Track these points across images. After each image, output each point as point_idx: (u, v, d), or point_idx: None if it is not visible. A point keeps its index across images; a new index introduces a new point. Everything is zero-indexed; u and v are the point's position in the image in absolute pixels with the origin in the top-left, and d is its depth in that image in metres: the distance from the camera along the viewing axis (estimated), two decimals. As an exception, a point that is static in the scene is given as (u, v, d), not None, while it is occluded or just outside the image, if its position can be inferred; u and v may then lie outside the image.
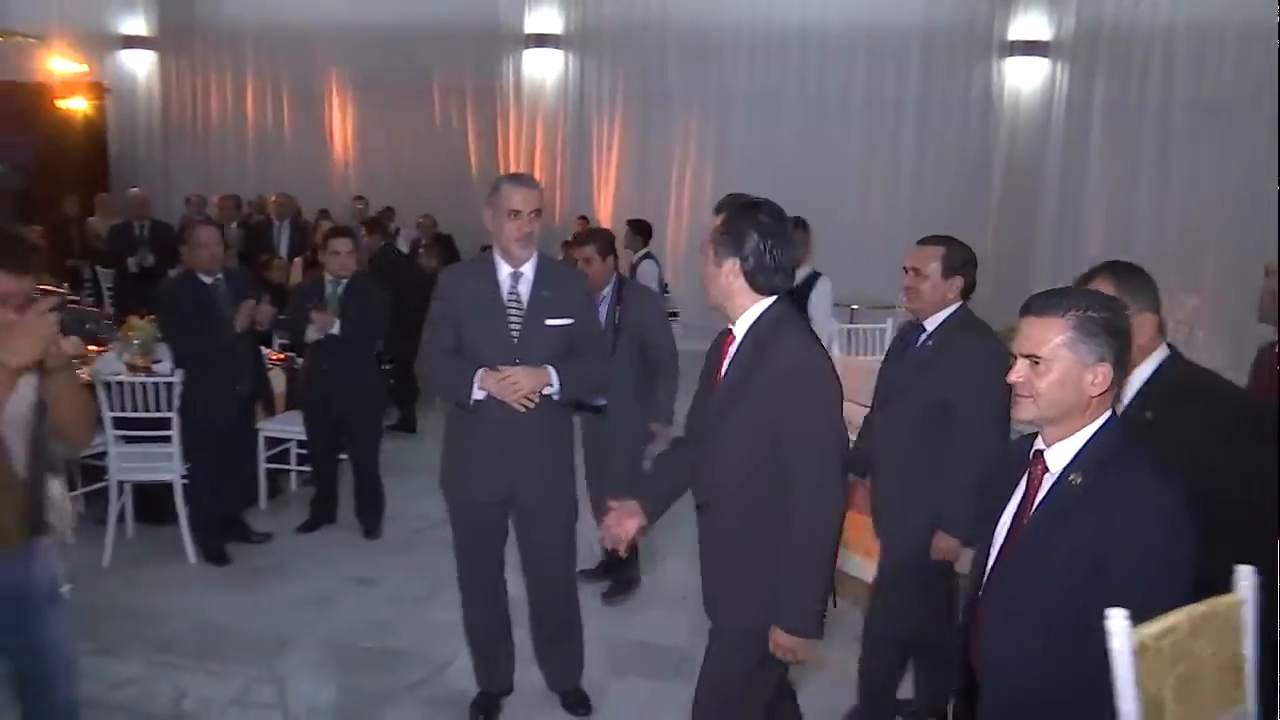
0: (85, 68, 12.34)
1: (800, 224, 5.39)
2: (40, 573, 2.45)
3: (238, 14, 12.72)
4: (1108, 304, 1.88)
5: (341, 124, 12.88)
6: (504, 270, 3.18)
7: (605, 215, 12.25)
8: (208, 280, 4.64)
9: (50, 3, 12.55)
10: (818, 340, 2.47)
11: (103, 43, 13.00)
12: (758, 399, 2.33)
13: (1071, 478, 1.86)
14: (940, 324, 3.17)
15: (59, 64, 11.95)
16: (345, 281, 5.01)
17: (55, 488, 2.58)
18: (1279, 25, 7.79)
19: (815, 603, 2.33)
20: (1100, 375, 1.82)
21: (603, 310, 4.28)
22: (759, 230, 2.33)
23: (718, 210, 2.42)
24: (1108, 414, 1.87)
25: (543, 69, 12.18)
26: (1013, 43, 11.25)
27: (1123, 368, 1.86)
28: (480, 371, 3.08)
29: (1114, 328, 1.83)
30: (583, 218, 11.82)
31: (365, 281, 5.17)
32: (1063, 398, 1.84)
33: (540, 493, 3.29)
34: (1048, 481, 1.91)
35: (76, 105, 12.19)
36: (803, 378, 2.32)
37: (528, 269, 3.18)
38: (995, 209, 11.46)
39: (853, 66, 11.45)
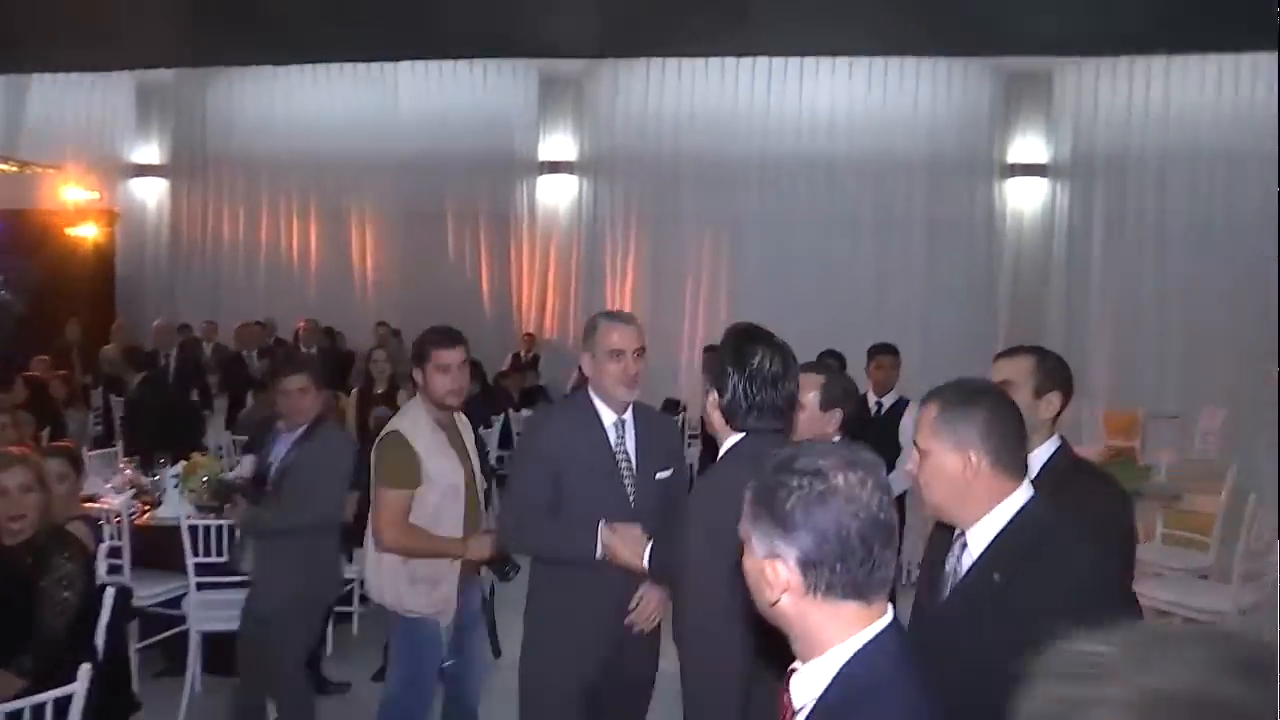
0: (96, 195, 12.39)
1: (887, 349, 5.45)
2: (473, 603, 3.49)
3: (248, 143, 12.89)
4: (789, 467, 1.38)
5: (358, 249, 12.95)
6: (608, 418, 2.88)
7: (620, 336, 12.32)
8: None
9: (65, 133, 12.67)
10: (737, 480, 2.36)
11: (115, 171, 13.08)
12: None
13: None
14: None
15: (72, 192, 11.98)
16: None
17: None
18: None
19: None
20: (775, 573, 1.37)
21: (281, 448, 3.81)
22: (737, 365, 2.32)
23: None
24: (870, 634, 1.35)
25: (556, 194, 12.42)
26: (1013, 165, 11.69)
27: (826, 548, 1.33)
28: (603, 525, 2.76)
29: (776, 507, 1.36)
30: (597, 338, 11.87)
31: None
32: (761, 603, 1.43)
33: (645, 665, 2.99)
34: None
35: (86, 232, 12.19)
36: (693, 516, 2.26)
37: (629, 415, 2.92)
38: (1004, 326, 11.68)
39: (861, 190, 11.79)
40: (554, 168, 12.35)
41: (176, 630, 4.84)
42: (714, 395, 2.36)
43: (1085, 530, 1.91)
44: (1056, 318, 11.57)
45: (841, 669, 1.33)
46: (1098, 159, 11.50)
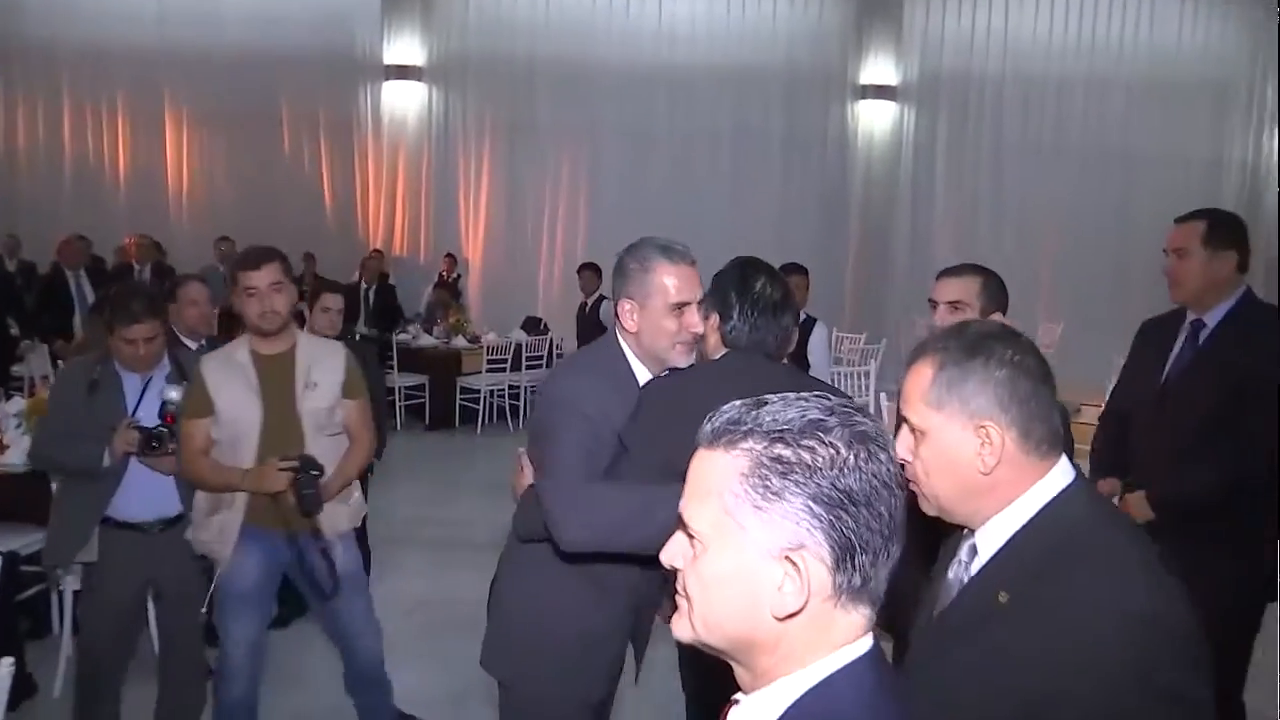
0: None
1: (798, 269, 5.42)
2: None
3: (47, 33, 11.32)
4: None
5: (176, 154, 11.75)
6: (644, 380, 2.31)
7: (476, 252, 11.90)
8: (193, 346, 4.03)
9: None
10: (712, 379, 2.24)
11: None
12: None
13: None
14: None
15: None
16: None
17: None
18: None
19: None
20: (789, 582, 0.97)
21: (154, 394, 3.24)
22: (741, 291, 2.30)
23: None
24: (853, 654, 1.00)
25: (404, 101, 11.69)
26: (864, 86, 11.92)
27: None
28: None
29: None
30: (450, 255, 11.40)
31: (351, 340, 4.68)
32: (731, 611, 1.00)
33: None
34: None
35: None
36: (643, 404, 2.21)
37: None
38: (855, 241, 12.06)
39: (719, 104, 11.74)
40: (401, 73, 11.59)
41: (38, 589, 4.33)
42: (715, 318, 2.34)
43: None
44: (902, 234, 12.06)
45: (803, 698, 0.98)
46: (942, 83, 11.90)
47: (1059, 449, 1.39)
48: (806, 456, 0.95)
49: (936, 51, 11.85)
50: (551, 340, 9.89)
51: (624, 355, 2.28)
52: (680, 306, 2.19)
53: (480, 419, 9.25)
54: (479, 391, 9.24)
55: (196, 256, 10.08)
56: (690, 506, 1.01)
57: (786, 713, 0.98)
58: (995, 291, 2.70)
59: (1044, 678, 1.25)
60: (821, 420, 0.97)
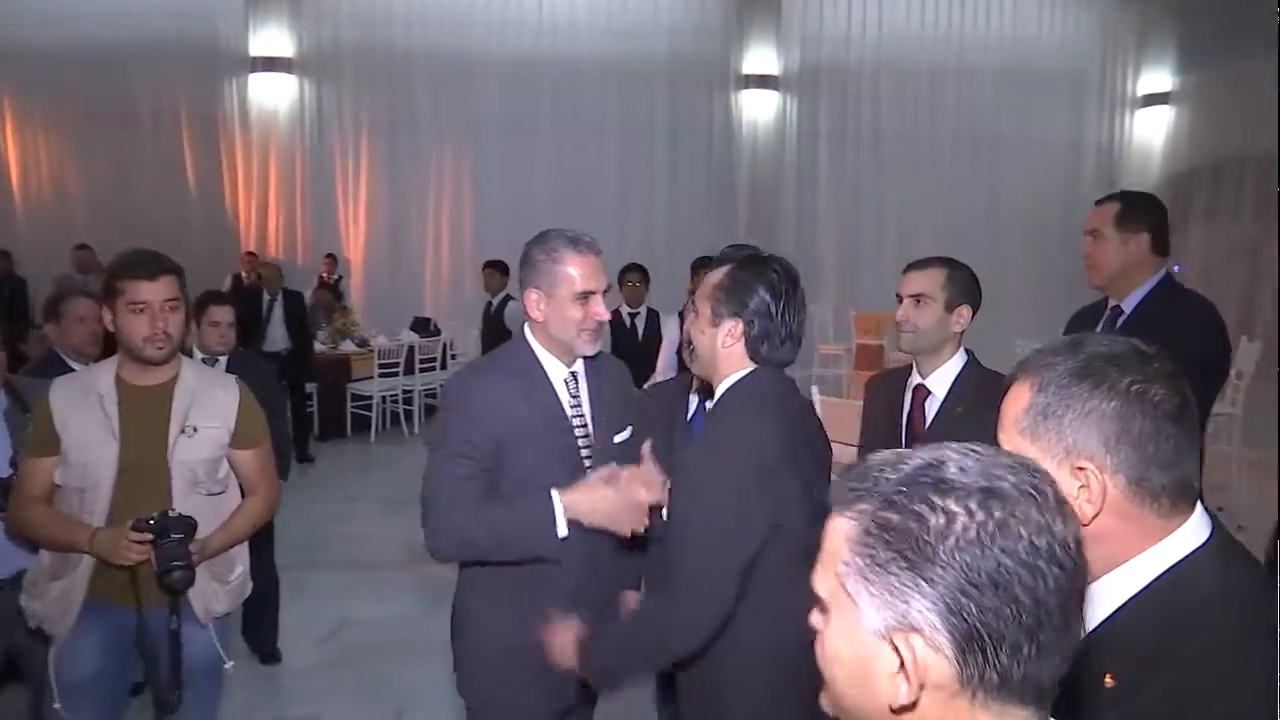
0: None
1: (707, 263, 5.37)
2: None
3: None
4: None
5: (21, 157, 10.81)
6: (557, 373, 2.26)
7: (357, 251, 11.43)
8: (78, 368, 3.63)
9: None
10: (772, 416, 1.98)
11: None
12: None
13: None
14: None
15: None
16: (225, 359, 4.16)
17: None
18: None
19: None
20: None
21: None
22: (770, 289, 1.98)
23: (718, 262, 2.09)
24: None
25: (273, 95, 11.07)
26: (747, 76, 11.98)
27: None
28: (559, 494, 2.09)
29: None
30: (330, 256, 10.90)
31: (247, 356, 4.33)
32: None
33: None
34: None
35: None
36: (699, 458, 1.98)
37: (580, 366, 2.31)
38: (743, 231, 12.11)
39: (605, 95, 11.60)
40: (269, 65, 10.97)
41: None
42: (734, 324, 1.98)
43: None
44: (789, 222, 12.19)
45: None
46: (821, 73, 12.07)
47: (1189, 502, 1.16)
48: (913, 525, 0.80)
49: (815, 41, 12.02)
50: (444, 342, 9.57)
51: (530, 350, 2.27)
52: (586, 295, 2.20)
53: (374, 426, 8.88)
54: (371, 398, 8.86)
55: (47, 266, 9.30)
56: (817, 571, 0.89)
57: None
58: (963, 283, 2.61)
59: None
60: (944, 479, 0.81)
